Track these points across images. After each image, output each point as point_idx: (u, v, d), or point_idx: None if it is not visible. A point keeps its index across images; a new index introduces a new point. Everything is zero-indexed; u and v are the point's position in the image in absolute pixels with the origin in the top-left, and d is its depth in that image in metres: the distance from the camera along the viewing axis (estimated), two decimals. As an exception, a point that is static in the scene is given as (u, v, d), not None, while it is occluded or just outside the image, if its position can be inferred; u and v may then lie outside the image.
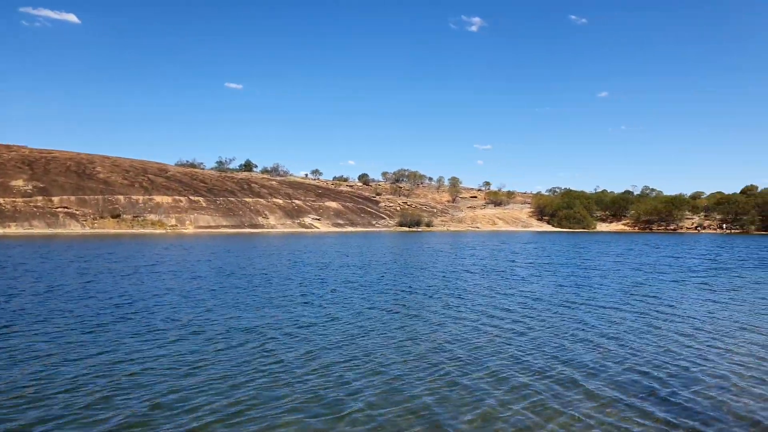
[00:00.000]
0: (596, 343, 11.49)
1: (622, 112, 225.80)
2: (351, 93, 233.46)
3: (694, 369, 9.58)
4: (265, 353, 10.24)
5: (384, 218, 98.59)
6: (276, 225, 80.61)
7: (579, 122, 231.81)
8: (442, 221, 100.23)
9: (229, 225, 74.99)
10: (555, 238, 68.39)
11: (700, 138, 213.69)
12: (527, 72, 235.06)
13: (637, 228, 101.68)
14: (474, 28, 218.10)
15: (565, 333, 12.35)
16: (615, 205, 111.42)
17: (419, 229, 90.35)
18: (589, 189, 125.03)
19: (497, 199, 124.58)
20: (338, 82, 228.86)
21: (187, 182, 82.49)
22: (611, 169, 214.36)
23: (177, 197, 75.96)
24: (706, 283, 21.84)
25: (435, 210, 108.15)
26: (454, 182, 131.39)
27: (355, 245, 45.97)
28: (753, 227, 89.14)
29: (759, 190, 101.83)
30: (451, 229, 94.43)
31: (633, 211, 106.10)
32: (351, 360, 9.90)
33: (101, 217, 65.88)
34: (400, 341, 11.40)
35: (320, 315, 14.01)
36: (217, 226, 73.43)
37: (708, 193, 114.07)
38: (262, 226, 78.23)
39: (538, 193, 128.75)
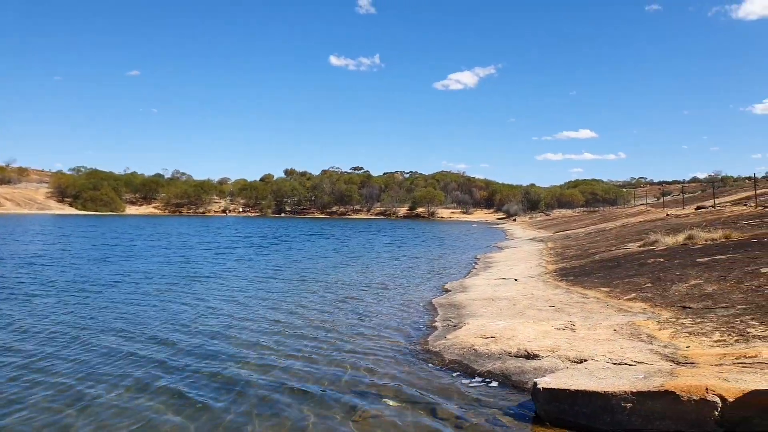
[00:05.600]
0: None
1: (155, 94, 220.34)
2: None
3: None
4: None
5: None
6: None
7: (108, 100, 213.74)
8: None
9: None
10: (85, 221, 61.36)
11: (231, 128, 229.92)
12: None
13: (167, 211, 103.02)
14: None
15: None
16: (146, 188, 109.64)
17: None
18: (118, 170, 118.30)
19: (4, 176, 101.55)
20: None
21: None
22: (143, 152, 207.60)
23: None
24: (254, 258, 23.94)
25: None
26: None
27: None
28: (270, 211, 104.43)
29: (275, 178, 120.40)
30: (-70, 212, 71.26)
31: (164, 194, 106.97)
32: None
33: None
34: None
35: None
36: None
37: (234, 179, 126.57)
38: None
39: (59, 172, 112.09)
